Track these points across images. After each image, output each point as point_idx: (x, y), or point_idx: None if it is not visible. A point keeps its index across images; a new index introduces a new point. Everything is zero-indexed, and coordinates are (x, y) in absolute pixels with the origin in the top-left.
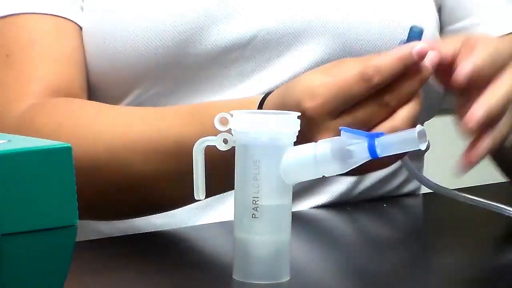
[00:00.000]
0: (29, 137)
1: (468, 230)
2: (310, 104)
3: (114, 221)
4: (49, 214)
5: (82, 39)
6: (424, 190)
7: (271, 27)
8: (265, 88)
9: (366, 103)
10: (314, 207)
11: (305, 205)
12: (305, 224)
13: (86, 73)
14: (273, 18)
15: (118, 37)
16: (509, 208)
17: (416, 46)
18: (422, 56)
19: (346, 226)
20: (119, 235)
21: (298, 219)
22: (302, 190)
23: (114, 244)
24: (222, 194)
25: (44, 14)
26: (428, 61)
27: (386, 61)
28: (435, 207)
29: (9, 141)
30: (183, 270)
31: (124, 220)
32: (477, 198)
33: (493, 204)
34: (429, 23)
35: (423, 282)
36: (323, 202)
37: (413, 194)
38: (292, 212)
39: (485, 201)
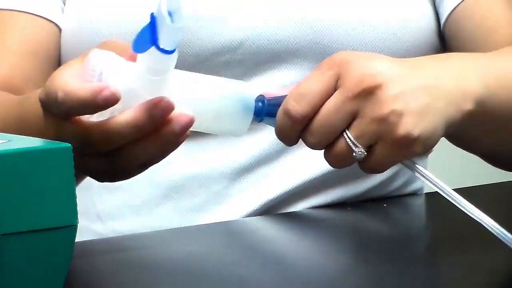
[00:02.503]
0: (29, 137)
1: (470, 230)
2: None
3: (111, 223)
4: (49, 214)
5: (51, 35)
6: (427, 190)
7: (261, 32)
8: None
9: None
10: (314, 207)
11: (305, 205)
12: (305, 224)
13: (41, 65)
14: (264, 23)
15: (97, 40)
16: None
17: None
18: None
19: (346, 226)
20: (116, 235)
21: (297, 219)
22: (302, 190)
23: (113, 245)
24: (220, 195)
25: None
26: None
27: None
28: (437, 207)
29: (9, 141)
30: (182, 270)
31: (120, 223)
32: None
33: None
34: (424, 23)
35: (424, 282)
36: (324, 202)
37: (415, 194)
38: (292, 212)
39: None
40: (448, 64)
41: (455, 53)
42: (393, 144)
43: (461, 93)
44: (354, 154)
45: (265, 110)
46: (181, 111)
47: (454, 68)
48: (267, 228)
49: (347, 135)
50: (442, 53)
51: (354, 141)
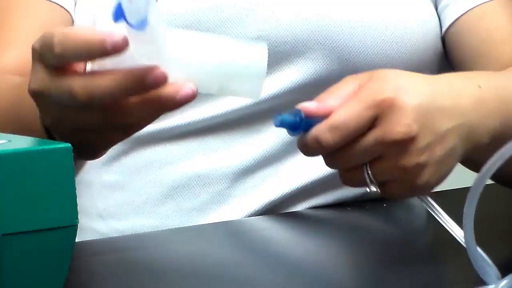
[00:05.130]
0: (29, 137)
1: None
2: None
3: (113, 222)
4: (49, 214)
5: (67, 22)
6: None
7: (271, 33)
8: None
9: None
10: (314, 207)
11: (306, 206)
12: (306, 224)
13: None
14: (273, 25)
15: None
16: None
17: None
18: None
19: (346, 226)
20: (117, 235)
21: (298, 219)
22: (303, 192)
23: (113, 245)
24: (222, 196)
25: None
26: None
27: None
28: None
29: (9, 141)
30: (184, 270)
31: (122, 222)
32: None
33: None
34: (429, 27)
35: (424, 282)
36: (324, 203)
37: None
38: (292, 212)
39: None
40: (482, 94)
41: (487, 75)
42: (409, 189)
43: (483, 129)
44: (367, 188)
45: (302, 127)
46: (187, 75)
47: (486, 98)
48: (268, 228)
49: (367, 171)
50: (444, 58)
51: (372, 177)
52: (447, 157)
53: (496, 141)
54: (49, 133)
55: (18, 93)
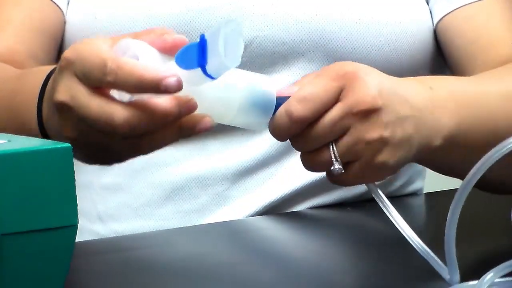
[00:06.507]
0: (29, 137)
1: (469, 230)
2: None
3: (112, 224)
4: (49, 214)
5: (57, 17)
6: (427, 190)
7: (268, 33)
8: None
9: None
10: (314, 207)
11: (306, 206)
12: (305, 224)
13: (46, 43)
14: (269, 25)
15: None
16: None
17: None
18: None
19: (346, 226)
20: (116, 236)
21: (298, 219)
22: (303, 192)
23: (113, 245)
24: (221, 197)
25: None
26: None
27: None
28: (437, 207)
29: (9, 141)
30: (183, 270)
31: (121, 224)
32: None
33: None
34: (426, 23)
35: (424, 281)
36: (324, 203)
37: (415, 194)
38: (292, 212)
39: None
40: (433, 95)
41: (442, 78)
42: (369, 168)
43: (435, 129)
44: (332, 168)
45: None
46: (206, 110)
47: (438, 99)
48: (267, 228)
49: (333, 149)
50: (439, 56)
51: (337, 156)
52: (405, 142)
53: (452, 144)
54: (46, 135)
55: (13, 86)
